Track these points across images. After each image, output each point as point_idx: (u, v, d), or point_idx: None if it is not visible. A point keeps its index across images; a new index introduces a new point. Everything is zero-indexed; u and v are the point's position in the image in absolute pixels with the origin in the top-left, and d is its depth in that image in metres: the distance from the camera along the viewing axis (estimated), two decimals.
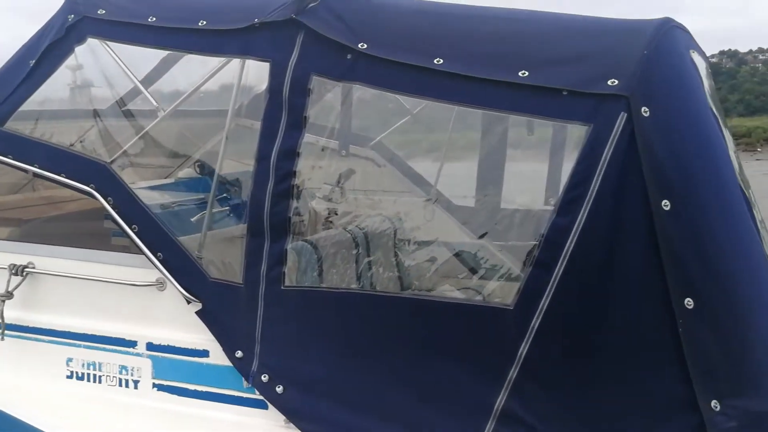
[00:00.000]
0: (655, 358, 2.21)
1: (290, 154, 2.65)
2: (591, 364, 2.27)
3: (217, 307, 2.80)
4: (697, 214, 2.14)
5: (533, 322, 2.26)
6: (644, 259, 2.18)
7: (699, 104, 2.30)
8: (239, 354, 2.73)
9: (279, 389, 2.66)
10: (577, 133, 2.33)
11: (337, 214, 3.91)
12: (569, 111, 2.29)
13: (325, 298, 2.75)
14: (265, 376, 2.68)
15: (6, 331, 3.17)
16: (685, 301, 2.11)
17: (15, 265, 3.18)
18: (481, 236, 3.86)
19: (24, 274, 3.18)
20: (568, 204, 2.22)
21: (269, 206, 2.64)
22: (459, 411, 2.41)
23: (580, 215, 2.20)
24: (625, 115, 2.16)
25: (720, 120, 2.44)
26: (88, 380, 3.11)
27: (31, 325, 3.21)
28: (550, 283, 2.24)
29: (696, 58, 2.50)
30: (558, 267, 2.23)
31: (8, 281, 3.16)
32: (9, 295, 3.15)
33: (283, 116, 2.65)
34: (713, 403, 2.12)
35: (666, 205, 2.12)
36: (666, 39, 2.30)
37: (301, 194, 2.90)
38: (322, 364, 2.61)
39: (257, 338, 2.69)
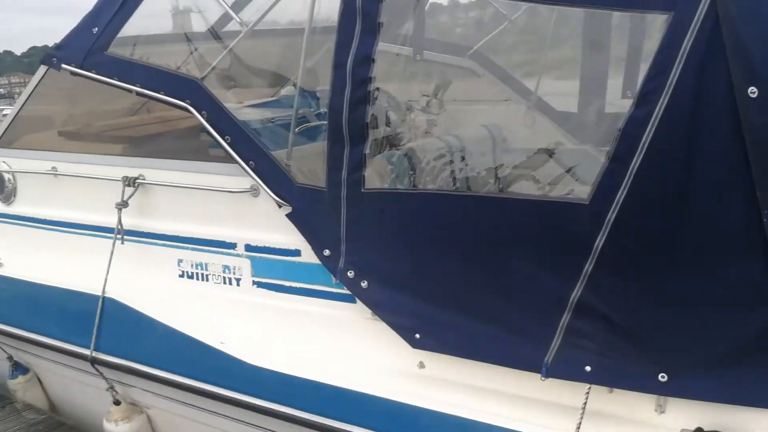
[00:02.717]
0: (736, 251, 2.13)
1: (366, 60, 2.67)
2: (668, 257, 2.22)
3: (305, 210, 2.94)
4: None
5: (609, 215, 2.24)
6: (726, 150, 2.08)
7: None
8: (327, 252, 2.87)
9: (364, 284, 2.79)
10: (657, 22, 2.22)
11: (435, 126, 3.92)
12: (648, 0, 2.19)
13: (403, 198, 2.81)
14: (351, 273, 2.81)
15: (125, 237, 3.50)
16: None
17: (128, 177, 3.47)
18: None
19: (136, 185, 3.46)
20: (646, 96, 2.14)
21: (347, 113, 2.69)
22: (535, 304, 2.45)
23: (658, 106, 2.12)
24: (709, 0, 2.04)
25: None
26: (197, 279, 3.38)
27: (145, 231, 3.51)
28: (626, 177, 2.19)
29: None
30: (635, 160, 2.17)
31: (122, 191, 3.46)
32: (125, 203, 3.46)
33: (357, 23, 2.67)
34: None
35: (753, 92, 2.00)
36: None
37: (377, 100, 2.92)
38: (402, 261, 2.70)
39: (342, 238, 2.81)
